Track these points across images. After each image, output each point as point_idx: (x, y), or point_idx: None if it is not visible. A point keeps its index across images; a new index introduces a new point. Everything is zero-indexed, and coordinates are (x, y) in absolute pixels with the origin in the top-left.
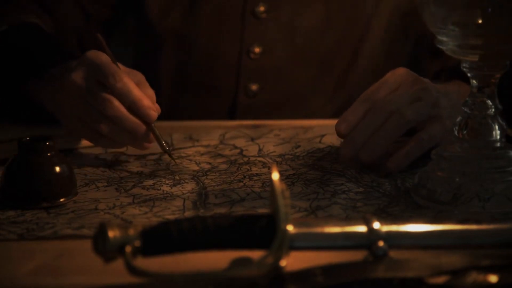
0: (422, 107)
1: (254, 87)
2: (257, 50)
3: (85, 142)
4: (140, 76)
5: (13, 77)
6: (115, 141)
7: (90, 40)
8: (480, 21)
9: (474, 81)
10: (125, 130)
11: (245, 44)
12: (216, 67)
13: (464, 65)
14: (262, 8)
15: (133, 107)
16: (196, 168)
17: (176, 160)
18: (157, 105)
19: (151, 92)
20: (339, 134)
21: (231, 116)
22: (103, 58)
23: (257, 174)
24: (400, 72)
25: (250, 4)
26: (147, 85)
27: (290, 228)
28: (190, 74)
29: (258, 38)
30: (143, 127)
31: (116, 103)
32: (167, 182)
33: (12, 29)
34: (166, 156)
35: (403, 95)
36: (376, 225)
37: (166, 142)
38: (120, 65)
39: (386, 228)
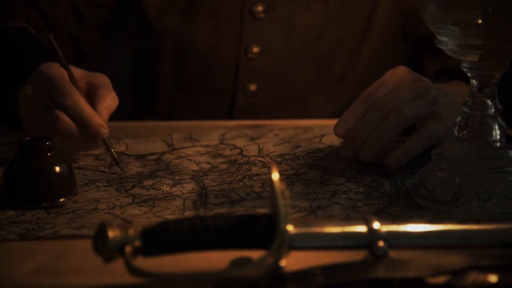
0: (421, 105)
1: (252, 87)
2: (255, 50)
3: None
4: (103, 80)
5: None
6: (69, 151)
7: (86, 44)
8: (480, 21)
9: (474, 81)
10: (75, 143)
11: (244, 44)
12: (215, 67)
13: (464, 65)
14: (260, 8)
15: (84, 125)
16: (196, 168)
17: (126, 172)
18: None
19: (113, 95)
20: (338, 136)
21: (230, 116)
22: (54, 72)
23: (257, 174)
24: (400, 72)
25: (248, 4)
26: (110, 89)
27: (290, 228)
28: (189, 74)
29: (257, 37)
30: (93, 142)
31: (66, 119)
32: (167, 182)
33: None
34: (166, 156)
35: (402, 94)
36: (376, 225)
37: (117, 153)
38: (79, 70)
39: (386, 228)
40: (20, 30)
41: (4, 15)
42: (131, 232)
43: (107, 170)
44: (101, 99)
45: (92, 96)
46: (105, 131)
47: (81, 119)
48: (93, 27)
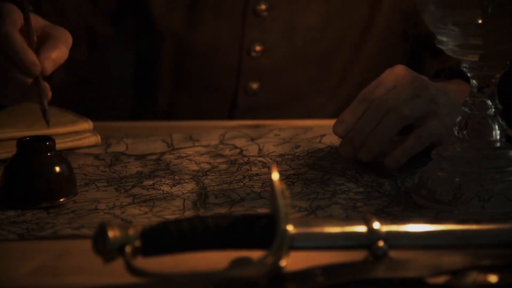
0: (419, 104)
1: (254, 86)
2: (258, 48)
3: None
4: (60, 32)
5: None
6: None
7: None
8: (480, 21)
9: (474, 81)
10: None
11: (246, 43)
12: (217, 66)
13: (464, 65)
14: (263, 7)
15: (14, 59)
16: (196, 168)
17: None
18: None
19: (62, 48)
20: (337, 135)
21: (231, 115)
22: (5, 7)
23: (257, 174)
24: (398, 70)
25: (252, 3)
26: (62, 41)
27: (290, 228)
28: (190, 74)
29: (259, 36)
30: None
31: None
32: (167, 182)
33: None
34: (166, 156)
35: (400, 93)
36: (376, 225)
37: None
38: (41, 21)
39: (386, 228)
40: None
41: None
42: (131, 232)
43: (107, 170)
44: (47, 48)
45: (42, 42)
46: (37, 68)
47: (10, 51)
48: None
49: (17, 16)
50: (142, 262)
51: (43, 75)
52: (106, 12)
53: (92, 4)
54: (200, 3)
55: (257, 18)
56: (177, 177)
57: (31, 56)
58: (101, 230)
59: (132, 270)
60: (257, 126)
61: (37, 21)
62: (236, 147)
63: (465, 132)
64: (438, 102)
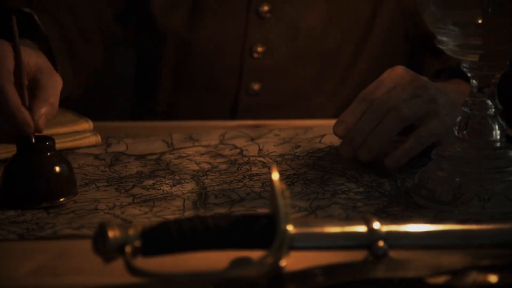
0: (419, 104)
1: (256, 86)
2: (260, 49)
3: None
4: (52, 81)
5: None
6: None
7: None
8: (480, 21)
9: (474, 81)
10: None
11: (248, 44)
12: (218, 66)
13: (464, 65)
14: (266, 8)
15: (8, 117)
16: (196, 168)
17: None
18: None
19: (52, 101)
20: (337, 136)
21: (233, 115)
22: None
23: (257, 174)
24: (398, 71)
25: (254, 4)
26: (54, 93)
27: (290, 228)
28: (192, 74)
29: (262, 37)
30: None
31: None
32: (167, 182)
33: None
34: (166, 156)
35: (400, 93)
36: (376, 225)
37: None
38: (33, 59)
39: (386, 228)
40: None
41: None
42: (131, 232)
43: (107, 170)
44: (40, 105)
45: (34, 94)
46: (30, 129)
47: (5, 108)
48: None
49: (9, 62)
50: (142, 262)
51: (38, 132)
52: (112, 13)
53: (103, 5)
54: (202, 4)
55: (259, 19)
56: (177, 177)
57: (25, 116)
58: (101, 230)
59: (132, 270)
60: (257, 126)
61: (29, 59)
62: (236, 147)
63: (465, 132)
64: (438, 102)
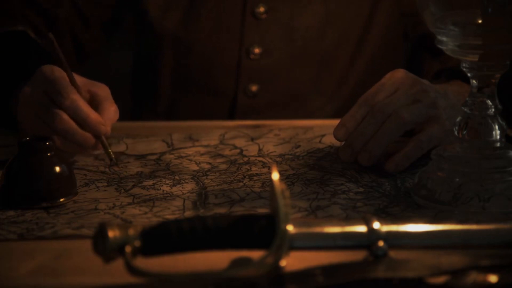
0: (419, 109)
1: (253, 87)
2: (257, 50)
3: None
4: (105, 91)
5: None
6: (67, 151)
7: (88, 44)
8: (480, 21)
9: (474, 81)
10: (74, 142)
11: (245, 45)
12: (216, 68)
13: (464, 65)
14: (262, 9)
15: (82, 123)
16: (196, 168)
17: (120, 170)
18: (108, 123)
19: (114, 109)
20: (337, 139)
21: (231, 116)
22: (56, 73)
23: (257, 174)
24: (398, 74)
25: (250, 5)
26: (111, 101)
27: (290, 228)
28: (190, 75)
29: (258, 38)
30: (92, 140)
31: (65, 117)
32: (167, 182)
33: None
34: (166, 156)
35: (401, 98)
36: (376, 225)
37: (116, 153)
38: (79, 78)
39: (386, 228)
40: (19, 33)
41: (3, 16)
42: (131, 232)
43: (107, 170)
44: (106, 112)
45: (94, 107)
46: (103, 128)
47: (79, 116)
48: (94, 27)
49: (64, 75)
50: (142, 262)
51: (106, 135)
52: (105, 12)
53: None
54: (198, 5)
55: (256, 20)
56: (177, 177)
57: (97, 116)
58: (101, 230)
59: (132, 270)
60: (257, 126)
61: (77, 79)
62: (236, 147)
63: (465, 132)
64: (438, 106)
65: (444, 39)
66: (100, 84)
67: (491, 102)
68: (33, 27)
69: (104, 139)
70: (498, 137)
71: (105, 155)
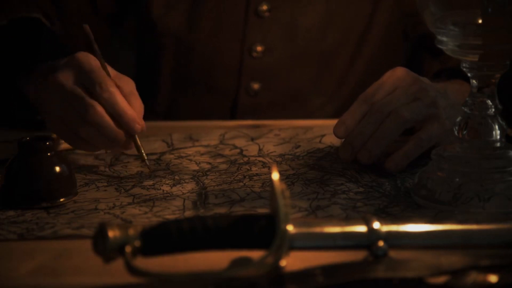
0: (419, 107)
1: (255, 86)
2: (259, 49)
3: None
4: (131, 86)
5: (4, 71)
6: (93, 145)
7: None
8: (480, 21)
9: (474, 81)
10: (105, 136)
11: (247, 43)
12: (218, 66)
13: (464, 65)
14: (265, 7)
15: (118, 119)
16: (196, 168)
17: (152, 170)
18: (142, 121)
19: (139, 103)
20: (337, 137)
21: (232, 115)
22: (93, 62)
23: (257, 174)
24: (398, 73)
25: (253, 4)
26: (137, 95)
27: (290, 228)
28: (190, 74)
29: (261, 37)
30: (123, 137)
31: (99, 109)
32: (167, 182)
33: (11, 23)
34: (166, 156)
35: (400, 96)
36: (376, 225)
37: (146, 154)
38: (110, 69)
39: (386, 228)
40: (33, 20)
41: (19, 2)
42: (131, 232)
43: (107, 170)
44: (132, 107)
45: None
46: (138, 126)
47: (116, 112)
48: (103, 19)
49: (99, 65)
50: (142, 262)
51: (139, 132)
52: (106, 12)
53: (92, 4)
54: (200, 3)
55: (258, 19)
56: (177, 177)
57: (134, 113)
58: (101, 230)
59: (132, 270)
60: (257, 126)
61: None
62: (236, 147)
63: (465, 132)
64: (438, 105)
65: (444, 39)
66: (126, 78)
67: (491, 102)
68: (45, 15)
69: (137, 139)
70: (498, 137)
71: (103, 154)
